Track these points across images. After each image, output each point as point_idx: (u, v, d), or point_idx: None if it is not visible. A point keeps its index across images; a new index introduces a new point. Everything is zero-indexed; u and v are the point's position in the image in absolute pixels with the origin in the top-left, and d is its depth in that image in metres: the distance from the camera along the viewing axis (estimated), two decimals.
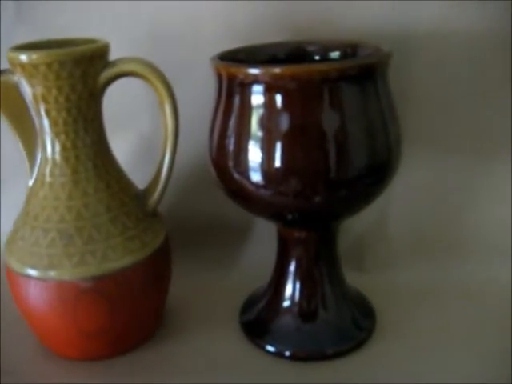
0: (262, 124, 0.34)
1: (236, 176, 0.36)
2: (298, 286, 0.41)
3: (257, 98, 0.34)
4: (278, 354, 0.40)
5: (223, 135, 0.36)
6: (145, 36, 0.50)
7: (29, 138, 0.37)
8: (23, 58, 0.34)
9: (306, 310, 0.41)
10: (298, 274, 0.41)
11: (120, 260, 0.36)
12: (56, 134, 0.36)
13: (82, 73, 0.35)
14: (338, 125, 0.33)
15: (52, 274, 0.35)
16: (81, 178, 0.36)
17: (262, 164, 0.34)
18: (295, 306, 0.41)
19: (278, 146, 0.34)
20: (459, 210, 0.51)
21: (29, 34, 0.50)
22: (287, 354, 0.40)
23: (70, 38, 0.39)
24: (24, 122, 0.36)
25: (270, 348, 0.41)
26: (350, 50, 0.40)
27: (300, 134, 0.33)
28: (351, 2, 0.46)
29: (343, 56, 0.41)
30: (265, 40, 0.42)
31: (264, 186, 0.35)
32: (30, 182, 0.38)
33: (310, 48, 0.42)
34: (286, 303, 0.42)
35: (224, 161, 0.36)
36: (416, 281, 0.47)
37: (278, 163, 0.34)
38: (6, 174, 0.56)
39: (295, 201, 0.35)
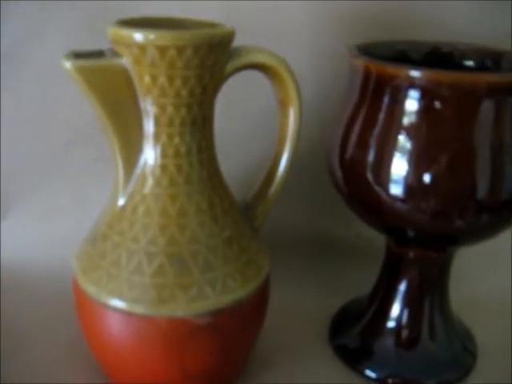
0: (412, 134, 0.30)
1: (373, 187, 0.32)
2: (405, 308, 0.37)
3: (410, 104, 0.30)
4: (380, 381, 0.37)
5: (362, 141, 0.32)
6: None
7: (129, 139, 0.29)
8: (145, 37, 0.26)
9: (412, 334, 0.38)
10: (408, 296, 0.37)
11: (239, 289, 0.30)
12: (169, 136, 0.29)
13: (214, 61, 0.28)
14: (495, 143, 0.30)
15: (161, 309, 0.28)
16: (194, 190, 0.30)
17: (406, 177, 0.30)
18: (401, 329, 0.37)
19: (426, 160, 0.30)
20: None
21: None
22: (390, 381, 0.37)
23: (169, 17, 0.31)
24: (126, 119, 0.28)
25: (371, 374, 0.37)
26: (489, 58, 0.36)
27: (453, 148, 0.30)
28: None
29: (481, 64, 0.37)
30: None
31: (402, 200, 0.31)
32: (123, 197, 0.30)
33: (445, 50, 0.38)
34: (391, 324, 0.38)
35: (360, 169, 0.32)
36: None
37: (424, 178, 0.30)
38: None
39: (432, 220, 0.31)
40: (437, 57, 0.37)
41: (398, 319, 0.37)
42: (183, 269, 0.29)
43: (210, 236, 0.30)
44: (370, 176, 0.32)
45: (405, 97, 0.30)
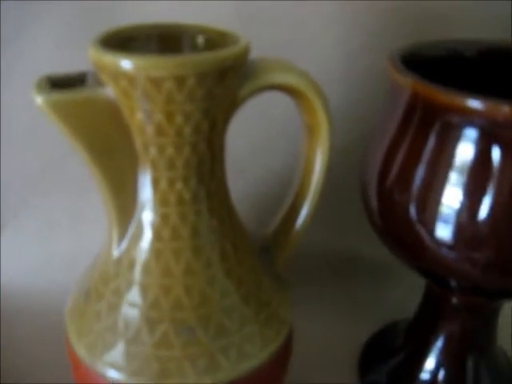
0: (466, 176, 0.24)
1: (414, 226, 0.26)
2: (443, 364, 0.32)
3: (466, 144, 0.23)
4: None
5: (405, 174, 0.26)
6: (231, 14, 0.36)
7: (122, 184, 0.23)
8: (134, 66, 0.20)
9: None
10: (447, 349, 0.32)
11: (258, 354, 0.25)
12: (170, 182, 0.23)
13: (224, 88, 0.22)
14: None
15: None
16: (203, 243, 0.24)
17: (456, 220, 0.25)
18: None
19: (481, 204, 0.24)
20: None
21: None
22: None
23: (166, 23, 0.25)
24: (117, 161, 0.23)
25: None
26: None
27: None
28: None
29: None
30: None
31: (449, 247, 0.25)
32: (118, 249, 0.25)
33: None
34: (425, 376, 0.33)
35: (401, 204, 0.26)
36: None
37: (478, 222, 0.24)
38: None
39: (483, 273, 0.25)
40: (495, 57, 0.30)
41: (434, 374, 0.32)
42: (191, 337, 0.24)
43: (222, 295, 0.25)
44: (412, 213, 0.26)
45: (459, 135, 0.23)
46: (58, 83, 0.22)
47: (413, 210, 0.26)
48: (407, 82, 0.24)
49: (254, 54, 0.34)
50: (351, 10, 0.35)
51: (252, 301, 0.26)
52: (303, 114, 0.26)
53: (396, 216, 0.27)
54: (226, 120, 0.24)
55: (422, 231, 0.26)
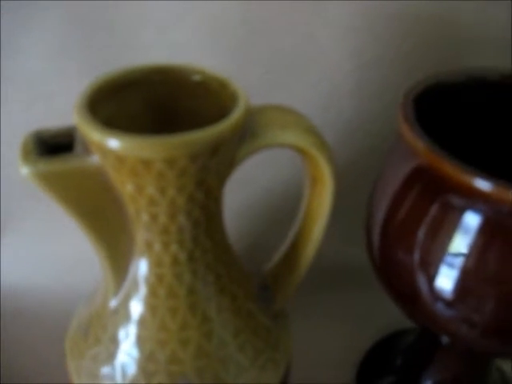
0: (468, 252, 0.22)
1: (415, 277, 0.25)
2: None
3: (469, 224, 0.22)
4: None
5: (406, 231, 0.25)
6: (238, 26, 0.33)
7: (116, 244, 0.23)
8: (121, 146, 0.19)
9: None
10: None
11: None
12: (164, 244, 0.22)
13: (218, 159, 0.21)
14: None
15: None
16: (199, 299, 0.24)
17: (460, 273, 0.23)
18: None
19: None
20: None
21: None
22: None
23: (156, 65, 0.23)
24: (109, 225, 0.22)
25: None
26: None
27: None
28: None
29: None
30: None
31: (448, 303, 0.24)
32: (115, 299, 0.25)
33: None
34: None
35: (403, 264, 0.25)
36: None
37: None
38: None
39: (483, 338, 0.24)
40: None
41: None
42: None
43: (219, 346, 0.25)
44: (414, 267, 0.25)
45: (461, 216, 0.22)
46: (45, 143, 0.21)
47: (415, 266, 0.25)
48: (415, 142, 0.23)
49: (263, 67, 0.32)
50: (362, 20, 0.32)
51: (249, 348, 0.26)
52: (307, 166, 0.24)
53: (397, 270, 0.26)
54: (223, 182, 0.23)
55: (421, 279, 0.25)
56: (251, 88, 0.35)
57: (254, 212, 0.38)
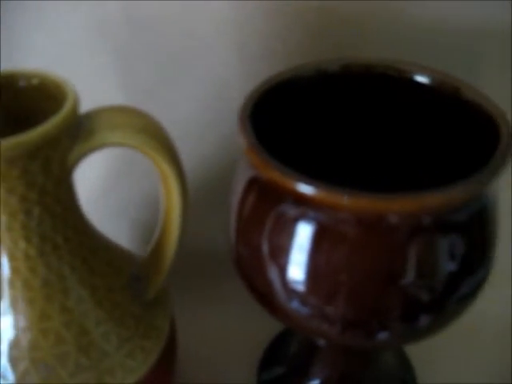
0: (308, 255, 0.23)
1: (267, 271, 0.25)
2: None
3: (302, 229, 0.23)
4: None
5: (249, 237, 0.26)
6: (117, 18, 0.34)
7: None
8: None
9: None
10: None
11: None
12: (13, 241, 0.24)
13: (44, 161, 0.22)
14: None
15: None
16: (55, 291, 0.26)
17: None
18: None
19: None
20: None
21: None
22: None
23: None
24: None
25: None
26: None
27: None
28: None
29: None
30: None
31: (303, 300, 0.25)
32: None
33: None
34: None
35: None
36: None
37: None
38: None
39: (346, 333, 0.24)
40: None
41: None
42: (50, 374, 0.26)
43: (80, 334, 0.27)
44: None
45: (297, 216, 0.23)
46: None
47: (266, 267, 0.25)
48: (252, 158, 0.23)
49: (150, 65, 0.32)
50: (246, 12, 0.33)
51: (113, 337, 0.27)
52: (153, 163, 0.25)
53: (250, 271, 0.27)
54: (60, 182, 0.24)
55: (275, 280, 0.25)
56: (140, 85, 0.37)
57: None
